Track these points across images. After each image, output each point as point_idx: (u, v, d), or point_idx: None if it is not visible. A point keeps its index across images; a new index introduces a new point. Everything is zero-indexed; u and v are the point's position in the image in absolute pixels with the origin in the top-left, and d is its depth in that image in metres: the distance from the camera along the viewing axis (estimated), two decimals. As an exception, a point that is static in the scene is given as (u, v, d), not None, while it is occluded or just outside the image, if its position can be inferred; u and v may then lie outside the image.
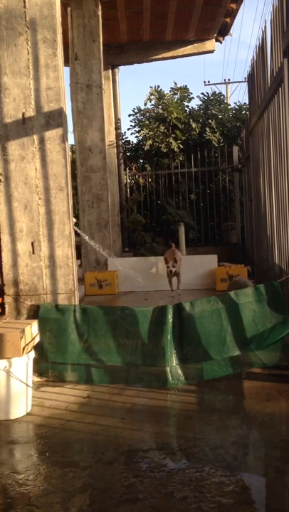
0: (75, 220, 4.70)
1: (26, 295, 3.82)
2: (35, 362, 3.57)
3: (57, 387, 3.62)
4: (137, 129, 10.97)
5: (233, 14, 9.08)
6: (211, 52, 10.15)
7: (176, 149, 10.40)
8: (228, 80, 24.84)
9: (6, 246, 3.80)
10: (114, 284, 7.19)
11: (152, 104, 10.76)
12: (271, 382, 3.51)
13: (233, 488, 2.20)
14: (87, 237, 6.71)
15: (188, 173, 10.75)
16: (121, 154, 10.52)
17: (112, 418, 3.05)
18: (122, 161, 10.55)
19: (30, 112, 3.72)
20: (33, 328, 3.47)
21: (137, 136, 11.20)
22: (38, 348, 3.64)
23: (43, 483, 2.33)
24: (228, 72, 70.12)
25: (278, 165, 4.48)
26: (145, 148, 10.54)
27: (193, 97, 11.25)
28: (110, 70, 10.03)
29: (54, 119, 3.73)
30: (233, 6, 8.77)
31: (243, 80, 23.98)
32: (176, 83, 11.04)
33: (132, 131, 11.19)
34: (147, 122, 10.61)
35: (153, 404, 3.31)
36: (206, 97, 11.45)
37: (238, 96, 50.82)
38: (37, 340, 3.58)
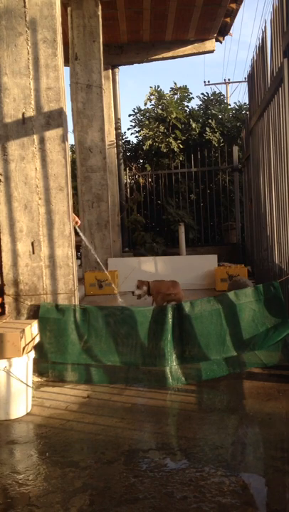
0: (78, 221, 4.65)
1: (26, 295, 3.82)
2: (35, 362, 3.58)
3: (57, 387, 3.62)
4: (137, 129, 10.98)
5: (233, 14, 9.07)
6: (211, 52, 10.14)
7: (176, 149, 10.41)
8: (228, 80, 24.85)
9: (6, 246, 3.80)
10: (115, 284, 7.19)
11: (152, 104, 10.77)
12: (271, 382, 3.51)
13: (233, 488, 2.20)
14: (84, 238, 6.52)
15: (188, 173, 10.75)
16: (121, 154, 10.52)
17: (112, 418, 3.05)
18: (122, 161, 10.55)
19: (30, 112, 3.72)
20: (33, 328, 3.47)
21: (136, 136, 11.22)
22: (38, 348, 3.64)
23: (43, 483, 2.33)
24: (228, 72, 70.21)
25: (278, 165, 4.48)
26: (145, 148, 10.54)
27: (193, 97, 11.28)
28: (110, 70, 10.03)
29: (54, 119, 3.73)
30: (233, 6, 8.76)
31: (243, 80, 24.01)
32: (176, 83, 11.06)
33: (132, 131, 11.22)
34: (147, 122, 10.61)
35: (153, 404, 3.31)
36: (206, 97, 11.46)
37: (238, 96, 50.88)
38: (37, 340, 3.59)
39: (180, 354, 3.64)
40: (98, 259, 7.09)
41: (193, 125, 10.67)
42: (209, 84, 29.39)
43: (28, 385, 3.21)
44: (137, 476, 2.34)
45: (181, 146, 10.49)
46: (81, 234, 5.77)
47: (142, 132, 10.68)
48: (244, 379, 3.60)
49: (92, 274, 7.25)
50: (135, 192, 10.95)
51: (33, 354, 3.37)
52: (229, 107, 11.49)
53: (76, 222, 4.65)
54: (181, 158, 10.67)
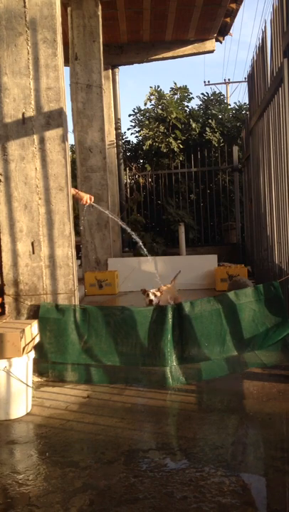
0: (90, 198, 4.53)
1: (26, 295, 3.82)
2: (35, 362, 3.58)
3: (57, 387, 3.62)
4: (137, 129, 10.98)
5: (233, 14, 9.07)
6: (211, 52, 10.14)
7: (176, 149, 10.41)
8: (228, 80, 24.88)
9: (6, 246, 3.80)
10: (114, 284, 7.19)
11: (152, 104, 10.77)
12: (271, 382, 3.51)
13: (233, 488, 2.20)
14: (107, 212, 6.23)
15: (188, 173, 10.75)
16: (121, 154, 10.52)
17: (112, 418, 3.05)
18: (122, 161, 10.55)
19: (30, 112, 3.72)
20: (33, 328, 3.47)
21: (137, 136, 11.23)
22: (38, 348, 3.64)
23: (43, 483, 2.33)
24: (228, 72, 70.32)
25: (278, 165, 4.48)
26: (145, 148, 10.54)
27: (193, 97, 11.29)
28: (110, 70, 10.03)
29: (54, 119, 3.73)
30: (233, 6, 8.76)
31: (243, 80, 24.02)
32: (176, 83, 11.06)
33: (132, 131, 11.23)
34: (147, 122, 10.61)
35: (153, 404, 3.31)
36: (206, 97, 11.46)
37: (238, 96, 50.92)
38: (37, 340, 3.59)
39: (180, 354, 3.64)
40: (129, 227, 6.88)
41: (193, 125, 10.67)
42: (209, 84, 29.46)
43: (28, 385, 3.21)
44: (137, 476, 2.34)
45: (181, 146, 10.49)
46: (105, 211, 5.59)
47: (142, 132, 10.68)
48: (244, 379, 3.60)
49: (92, 274, 7.25)
50: (135, 192, 10.95)
51: (33, 354, 3.37)
52: (229, 107, 11.49)
53: (83, 200, 4.51)
54: (181, 158, 10.67)
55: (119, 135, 10.46)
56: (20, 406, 3.17)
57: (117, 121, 10.33)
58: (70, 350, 3.70)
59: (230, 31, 9.83)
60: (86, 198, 4.53)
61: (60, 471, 2.43)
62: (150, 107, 10.80)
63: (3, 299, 3.85)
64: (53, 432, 2.89)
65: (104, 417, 3.08)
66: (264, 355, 3.67)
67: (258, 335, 3.66)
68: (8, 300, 3.83)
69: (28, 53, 3.68)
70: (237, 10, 8.93)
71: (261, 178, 5.71)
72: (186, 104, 10.92)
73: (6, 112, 3.72)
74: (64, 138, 3.76)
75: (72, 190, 4.30)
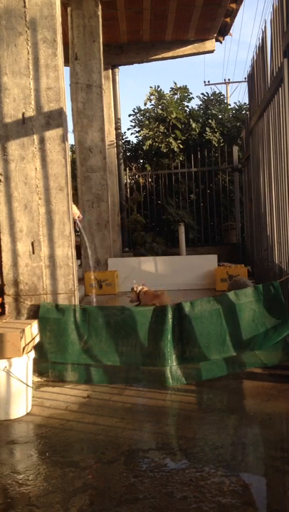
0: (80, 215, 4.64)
1: (26, 295, 3.82)
2: (35, 362, 3.58)
3: (57, 387, 3.62)
4: (137, 129, 10.98)
5: (233, 14, 9.07)
6: (211, 52, 10.13)
7: (176, 149, 10.41)
8: (228, 80, 24.84)
9: (6, 246, 3.81)
10: (114, 284, 7.19)
11: (152, 104, 10.77)
12: (271, 382, 3.51)
13: (233, 488, 2.20)
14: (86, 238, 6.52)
15: (188, 173, 10.75)
16: (121, 154, 10.52)
17: (112, 418, 3.05)
18: (122, 161, 10.55)
19: (30, 112, 3.72)
20: (33, 328, 3.47)
21: (136, 136, 11.22)
22: (38, 348, 3.64)
23: (43, 483, 2.33)
24: (228, 72, 70.21)
25: (278, 165, 4.48)
26: (145, 148, 10.54)
27: (193, 97, 11.26)
28: (110, 70, 10.03)
29: (54, 119, 3.73)
30: (233, 6, 8.76)
31: (243, 80, 24.01)
32: (176, 83, 11.04)
33: (132, 131, 11.22)
34: (147, 122, 10.61)
35: (153, 404, 3.31)
36: (206, 97, 11.46)
37: (238, 96, 50.90)
38: (37, 340, 3.59)
39: (180, 354, 3.64)
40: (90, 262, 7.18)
41: (193, 125, 10.67)
42: (209, 84, 29.38)
43: (28, 385, 3.21)
44: (137, 476, 2.34)
45: (181, 146, 10.49)
46: (83, 231, 5.72)
47: (142, 132, 10.68)
48: (244, 379, 3.60)
49: (92, 274, 7.24)
50: (135, 192, 10.95)
51: (33, 354, 3.37)
52: (229, 107, 11.49)
53: (79, 217, 4.60)
54: (181, 158, 10.67)
55: (119, 135, 10.46)
56: (20, 406, 3.17)
57: (117, 121, 10.32)
58: (70, 350, 3.70)
59: (230, 31, 9.82)
60: (78, 215, 4.65)
61: (60, 471, 2.43)
62: (150, 107, 10.81)
63: (3, 299, 3.85)
64: (53, 432, 2.89)
65: (104, 417, 3.08)
66: (264, 355, 3.67)
67: (258, 335, 3.66)
68: (8, 300, 3.83)
69: (28, 53, 3.68)
70: (237, 10, 8.92)
71: (261, 178, 5.71)
72: (186, 104, 10.92)
73: (6, 112, 3.72)
74: (64, 138, 3.76)
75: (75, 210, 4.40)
